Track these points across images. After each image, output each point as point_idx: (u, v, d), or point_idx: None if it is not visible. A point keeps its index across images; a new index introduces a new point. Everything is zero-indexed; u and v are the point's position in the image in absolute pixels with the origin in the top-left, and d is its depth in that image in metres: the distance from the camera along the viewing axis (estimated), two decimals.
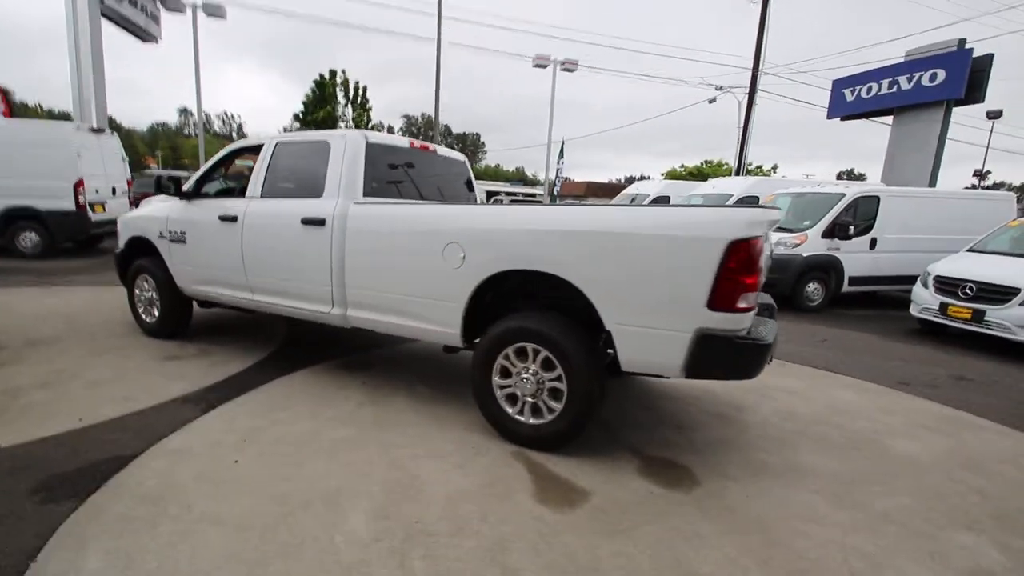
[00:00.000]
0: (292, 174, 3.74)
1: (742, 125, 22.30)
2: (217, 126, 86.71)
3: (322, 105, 30.99)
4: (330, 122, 30.98)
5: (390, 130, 33.68)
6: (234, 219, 3.80)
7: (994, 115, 23.81)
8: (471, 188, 4.55)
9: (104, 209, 8.80)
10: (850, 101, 20.73)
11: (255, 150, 4.00)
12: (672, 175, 43.88)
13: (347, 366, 4.12)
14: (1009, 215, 8.37)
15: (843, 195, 7.80)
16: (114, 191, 9.20)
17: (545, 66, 18.53)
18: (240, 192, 4.50)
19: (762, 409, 3.62)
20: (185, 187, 4.19)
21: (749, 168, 23.78)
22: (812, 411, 3.65)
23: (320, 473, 2.46)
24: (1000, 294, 5.65)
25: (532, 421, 2.76)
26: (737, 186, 10.35)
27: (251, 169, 3.96)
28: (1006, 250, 6.33)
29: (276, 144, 3.81)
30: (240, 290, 3.93)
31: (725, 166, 43.87)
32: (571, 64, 18.74)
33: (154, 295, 4.54)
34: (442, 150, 4.25)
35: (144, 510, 2.09)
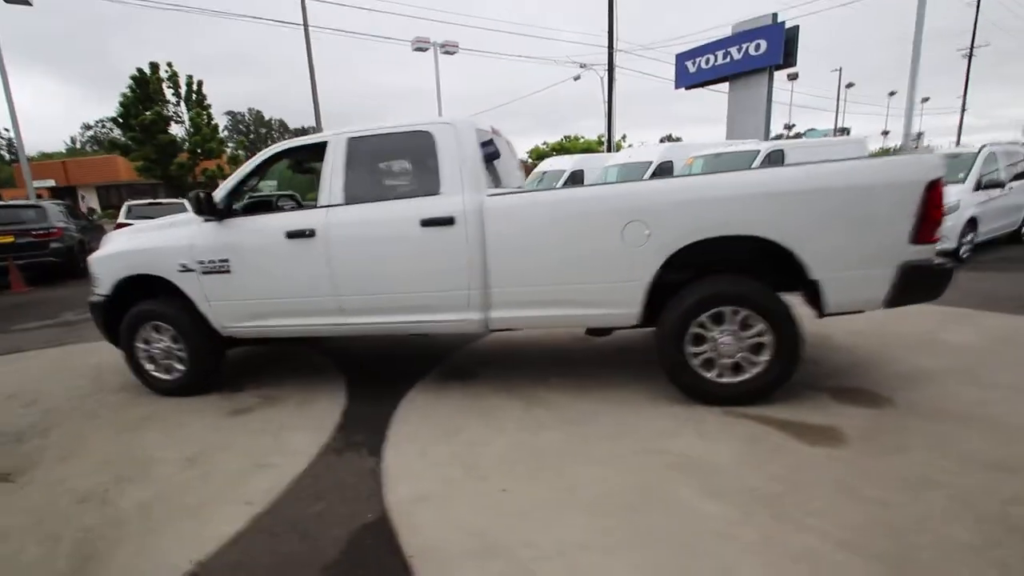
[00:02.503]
0: (384, 173, 3.27)
1: (606, 101, 24.02)
2: None
3: (147, 105, 26.31)
4: (162, 123, 26.52)
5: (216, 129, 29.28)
6: (311, 233, 3.22)
7: (793, 77, 29.05)
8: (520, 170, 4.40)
9: None
10: (692, 72, 23.50)
11: (311, 150, 3.40)
12: (537, 153, 45.62)
13: (451, 376, 3.80)
14: (863, 153, 10.43)
15: (758, 151, 9.01)
16: None
17: (425, 49, 17.92)
18: (263, 205, 3.83)
19: (835, 329, 4.17)
20: (218, 204, 3.38)
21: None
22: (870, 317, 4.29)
23: (596, 476, 2.32)
24: None
25: (735, 380, 2.89)
26: (653, 153, 11.29)
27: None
28: None
29: (348, 140, 3.28)
30: (325, 316, 3.36)
31: (582, 139, 46.96)
32: (451, 46, 18.40)
33: (171, 345, 3.66)
34: (503, 133, 4.04)
35: (514, 569, 1.80)
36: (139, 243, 3.65)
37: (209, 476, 2.59)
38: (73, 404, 3.74)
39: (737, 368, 2.89)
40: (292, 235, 3.25)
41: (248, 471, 2.61)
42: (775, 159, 9.07)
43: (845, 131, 33.83)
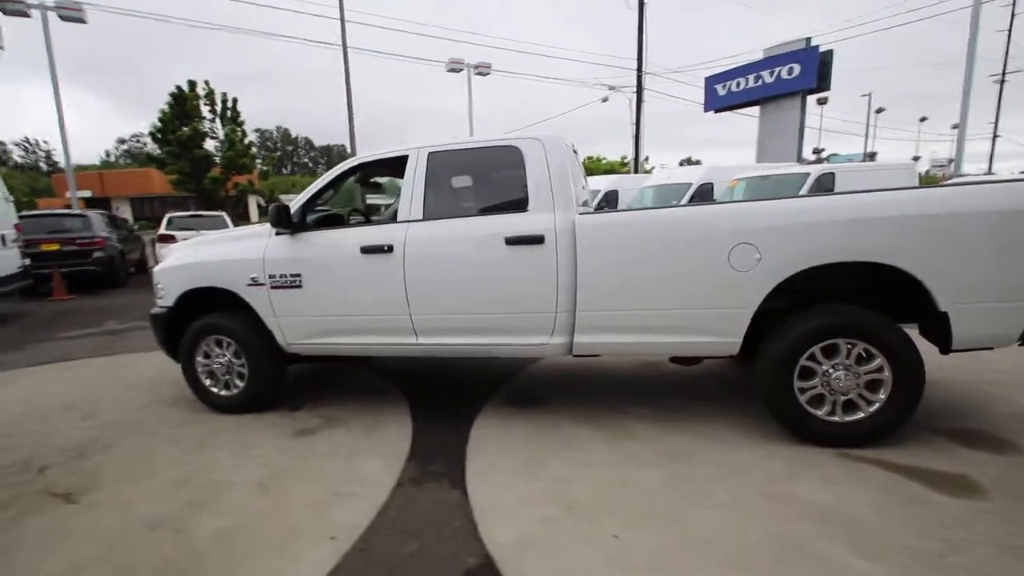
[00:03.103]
0: (467, 189, 3.16)
1: (634, 123, 24.10)
2: (17, 155, 71.95)
3: (184, 121, 27.12)
4: (197, 138, 27.25)
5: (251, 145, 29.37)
6: (388, 249, 3.10)
7: (822, 102, 28.79)
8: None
9: None
10: (722, 95, 23.44)
11: (390, 164, 3.31)
12: None
13: (518, 402, 3.61)
14: (914, 179, 10.14)
15: (808, 173, 8.79)
16: (3, 240, 7.03)
17: (459, 70, 18.18)
18: (333, 219, 3.74)
19: None
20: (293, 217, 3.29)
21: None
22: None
23: (722, 524, 2.09)
24: None
25: (847, 419, 2.65)
26: (693, 175, 11.12)
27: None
28: None
29: (429, 155, 3.17)
30: (397, 335, 3.22)
31: (604, 160, 47.12)
32: (484, 67, 18.63)
33: (232, 360, 3.55)
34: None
35: None
36: (207, 255, 3.57)
37: (286, 504, 2.42)
38: (133, 417, 3.63)
39: (849, 406, 2.66)
40: (368, 250, 3.14)
41: (327, 500, 2.44)
42: (825, 183, 8.83)
43: (872, 156, 33.34)
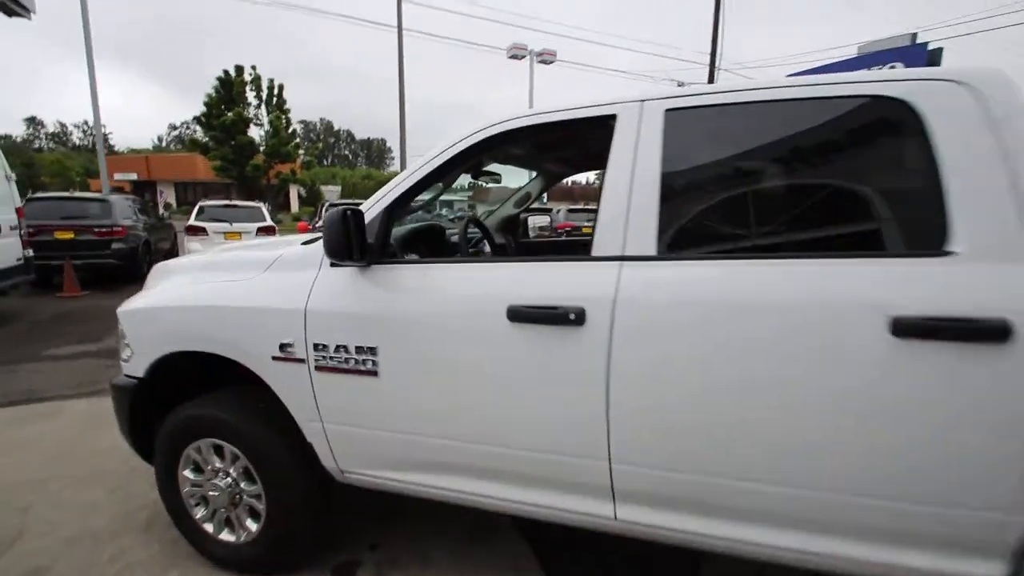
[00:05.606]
0: (767, 191, 1.44)
1: None
2: (76, 137, 74.82)
3: (229, 106, 26.58)
4: (242, 124, 26.66)
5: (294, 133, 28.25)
6: (576, 318, 1.41)
7: None
8: None
9: None
10: None
11: (569, 134, 1.61)
12: None
13: None
14: None
15: None
16: None
17: (522, 57, 16.49)
18: (429, 237, 2.11)
19: None
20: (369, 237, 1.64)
21: None
22: None
23: None
24: None
25: None
26: None
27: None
28: None
29: (666, 115, 1.46)
30: (569, 493, 1.53)
31: None
32: (548, 55, 16.87)
33: (241, 483, 1.94)
34: None
35: None
36: (207, 294, 1.95)
37: None
38: (72, 561, 2.08)
39: None
40: (525, 317, 1.45)
41: None
42: None
43: None
